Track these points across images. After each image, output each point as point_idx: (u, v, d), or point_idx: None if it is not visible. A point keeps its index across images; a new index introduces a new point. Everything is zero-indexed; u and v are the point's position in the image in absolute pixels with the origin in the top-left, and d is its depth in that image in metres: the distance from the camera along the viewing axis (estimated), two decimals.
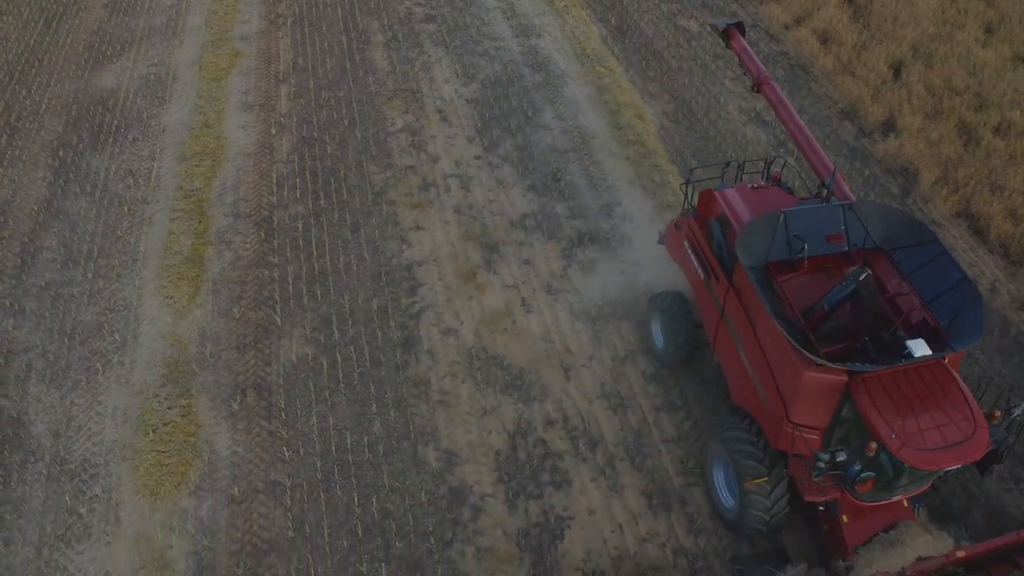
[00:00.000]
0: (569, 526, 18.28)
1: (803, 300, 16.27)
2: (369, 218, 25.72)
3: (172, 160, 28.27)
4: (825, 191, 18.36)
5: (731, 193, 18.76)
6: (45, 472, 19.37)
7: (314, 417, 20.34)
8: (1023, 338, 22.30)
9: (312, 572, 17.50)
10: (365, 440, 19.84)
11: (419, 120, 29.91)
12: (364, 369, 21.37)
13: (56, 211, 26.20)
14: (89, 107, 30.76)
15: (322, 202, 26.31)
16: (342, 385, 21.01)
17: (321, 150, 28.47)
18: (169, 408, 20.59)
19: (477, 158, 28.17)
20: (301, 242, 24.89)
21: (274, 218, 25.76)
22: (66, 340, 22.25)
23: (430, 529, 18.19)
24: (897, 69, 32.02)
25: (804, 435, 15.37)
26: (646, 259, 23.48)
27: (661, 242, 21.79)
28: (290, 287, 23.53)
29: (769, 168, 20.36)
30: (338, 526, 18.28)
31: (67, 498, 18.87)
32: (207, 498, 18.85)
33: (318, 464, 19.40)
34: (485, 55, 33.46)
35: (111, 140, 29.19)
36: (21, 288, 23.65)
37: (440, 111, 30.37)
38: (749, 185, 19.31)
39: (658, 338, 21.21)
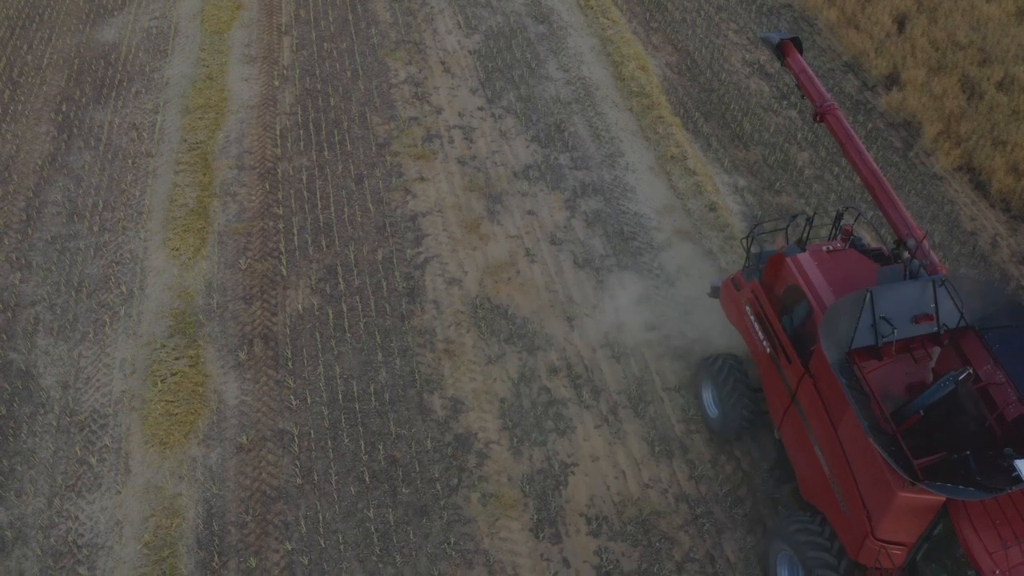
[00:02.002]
0: (573, 472, 18.51)
1: (889, 391, 14.71)
2: (373, 169, 25.75)
3: (175, 113, 28.25)
4: (906, 252, 16.27)
5: (805, 260, 16.22)
6: (55, 423, 19.60)
7: (321, 366, 20.51)
8: (1023, 292, 22.39)
9: (320, 518, 17.76)
10: (371, 388, 20.04)
11: (422, 71, 29.83)
12: (370, 319, 21.52)
13: (60, 166, 26.24)
14: (91, 61, 30.69)
15: (326, 154, 26.33)
16: (348, 335, 21.17)
17: (324, 102, 28.44)
18: (177, 359, 20.77)
19: (480, 109, 28.13)
20: (306, 193, 24.95)
21: (278, 170, 25.80)
22: (73, 293, 22.40)
23: (436, 475, 18.42)
24: (901, 23, 31.81)
25: (889, 550, 13.89)
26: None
27: (714, 295, 19.72)
28: (295, 238, 23.62)
29: (840, 221, 17.86)
30: (345, 473, 18.52)
31: (77, 449, 19.10)
32: (216, 446, 19.09)
33: (325, 412, 19.61)
34: (488, 6, 33.29)
35: (114, 94, 29.15)
36: (27, 242, 23.77)
37: (443, 62, 30.28)
38: (823, 248, 16.71)
39: (710, 407, 19.02)
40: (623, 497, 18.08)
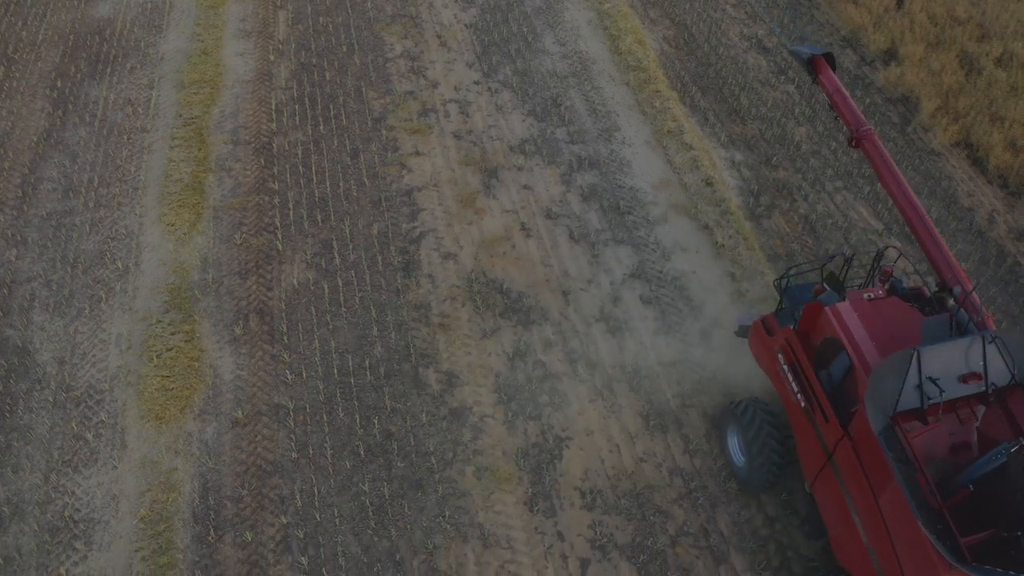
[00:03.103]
0: (567, 446, 18.55)
1: (933, 454, 13.77)
2: (369, 144, 25.68)
3: (171, 88, 28.15)
4: (951, 300, 15.20)
5: (845, 311, 15.04)
6: (51, 399, 19.63)
7: (316, 341, 20.53)
8: (1019, 268, 22.36)
9: (315, 492, 17.82)
10: (366, 363, 20.06)
11: (418, 45, 29.69)
12: (365, 293, 21.51)
13: (55, 142, 26.16)
14: (86, 37, 30.54)
15: (321, 128, 26.25)
16: (343, 309, 21.17)
17: (320, 76, 28.32)
18: (172, 334, 20.78)
19: (476, 83, 28.02)
20: (301, 168, 24.89)
21: (274, 144, 25.73)
22: (69, 269, 22.38)
23: (431, 449, 18.46)
24: None
25: None
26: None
27: (741, 335, 18.75)
28: (291, 213, 23.59)
29: (879, 262, 16.83)
30: (341, 447, 18.56)
31: (73, 424, 19.14)
32: (212, 421, 19.13)
33: (320, 387, 19.64)
34: None
35: (109, 70, 29.03)
36: (23, 219, 23.73)
37: (439, 36, 30.13)
38: (863, 295, 15.55)
39: (736, 455, 17.87)
40: (617, 471, 18.12)
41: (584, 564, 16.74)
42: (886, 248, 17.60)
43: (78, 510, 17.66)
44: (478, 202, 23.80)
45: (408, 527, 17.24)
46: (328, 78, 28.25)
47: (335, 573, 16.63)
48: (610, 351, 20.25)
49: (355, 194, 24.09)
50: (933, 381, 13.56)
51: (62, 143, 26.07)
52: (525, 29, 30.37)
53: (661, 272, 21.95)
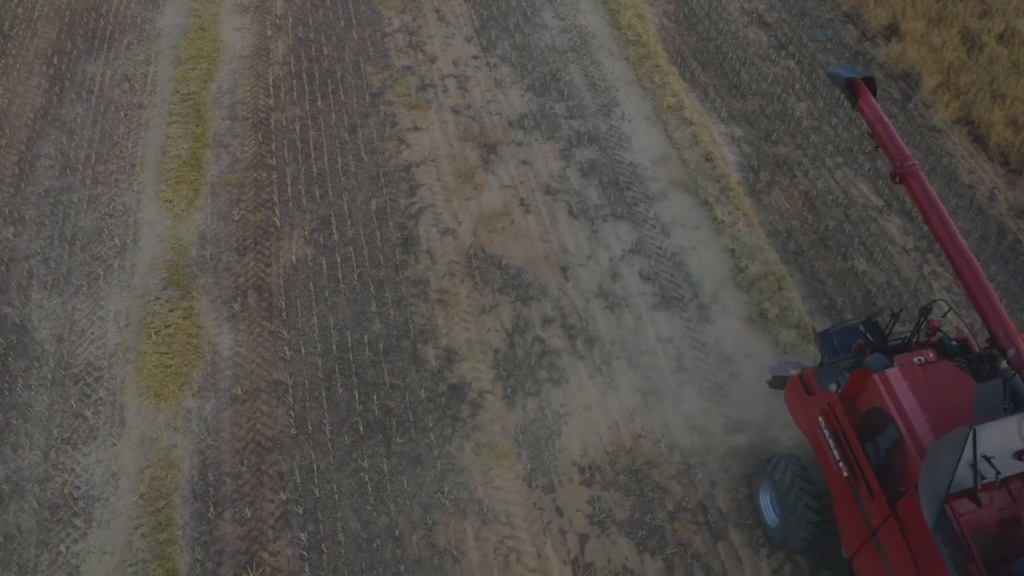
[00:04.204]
0: (566, 422, 18.55)
1: (983, 532, 12.94)
2: (367, 119, 25.56)
3: (168, 64, 27.99)
4: (1004, 362, 14.10)
5: (895, 379, 13.99)
6: (50, 377, 19.61)
7: (315, 317, 20.50)
8: (1019, 246, 22.31)
9: (314, 468, 17.83)
10: (365, 339, 20.04)
11: (416, 20, 29.51)
12: (363, 269, 21.47)
13: (52, 118, 26.04)
14: (82, 13, 30.33)
15: (319, 103, 26.12)
16: (342, 285, 21.13)
17: (317, 51, 28.16)
18: (171, 311, 20.75)
19: (475, 58, 27.87)
20: (299, 144, 24.78)
21: (271, 120, 25.61)
22: (66, 246, 22.32)
23: (430, 425, 18.47)
24: None
25: None
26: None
27: (775, 386, 17.76)
28: (289, 189, 23.50)
29: (926, 318, 15.48)
30: (340, 423, 18.57)
31: (72, 402, 19.13)
32: (210, 398, 19.12)
33: (319, 363, 19.63)
34: None
35: (105, 46, 28.85)
36: (20, 196, 23.64)
37: (437, 11, 29.93)
38: (913, 359, 14.48)
39: (769, 514, 16.78)
40: (616, 447, 18.13)
41: (583, 539, 16.78)
42: (934, 301, 16.01)
43: (77, 487, 17.68)
44: (477, 177, 23.71)
45: (407, 503, 17.27)
46: (326, 53, 28.09)
47: (334, 549, 16.67)
48: (609, 327, 20.23)
49: (353, 170, 24.00)
50: (988, 460, 12.56)
51: (59, 120, 25.95)
52: (524, 3, 30.17)
53: (660, 248, 21.90)
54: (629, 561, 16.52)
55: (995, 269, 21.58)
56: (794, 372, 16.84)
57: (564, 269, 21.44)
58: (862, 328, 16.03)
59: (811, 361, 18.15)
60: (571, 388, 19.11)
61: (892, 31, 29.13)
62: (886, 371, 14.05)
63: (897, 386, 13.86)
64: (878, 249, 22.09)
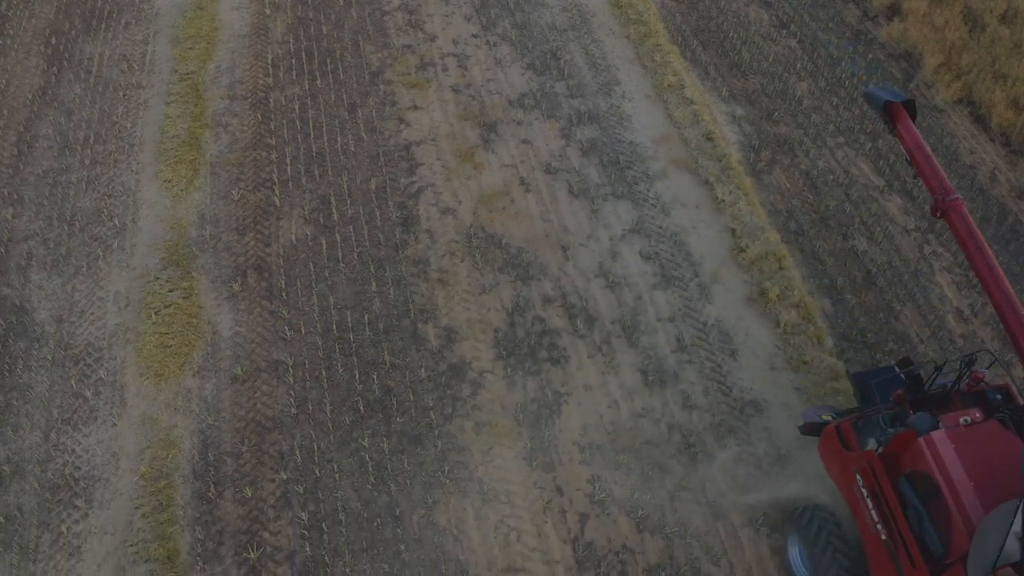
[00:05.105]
0: (566, 402, 18.55)
1: None
2: (366, 98, 25.46)
3: (166, 44, 27.87)
4: None
5: (941, 443, 13.29)
6: (50, 358, 19.62)
7: (315, 296, 20.48)
8: (1020, 226, 22.25)
9: (315, 448, 17.85)
10: (365, 318, 20.02)
11: None
12: (363, 249, 21.43)
13: (51, 99, 25.95)
14: None
15: (318, 83, 26.01)
16: (342, 265, 21.10)
17: (316, 30, 28.02)
18: (171, 291, 20.73)
19: (475, 36, 27.73)
20: (298, 123, 24.70)
21: (270, 100, 25.52)
22: (66, 227, 22.29)
23: (430, 405, 18.47)
24: None
25: None
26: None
27: (807, 433, 16.86)
28: (288, 168, 23.43)
29: (970, 369, 14.76)
30: (340, 403, 18.58)
31: (72, 382, 19.15)
32: (211, 378, 19.13)
33: (319, 342, 19.61)
34: None
35: (103, 25, 28.72)
36: (19, 177, 23.59)
37: None
38: (959, 420, 13.75)
39: (799, 567, 16.04)
40: (616, 426, 18.13)
41: (583, 518, 16.80)
42: (977, 352, 15.19)
43: (78, 468, 17.72)
44: (477, 157, 23.63)
45: (407, 482, 17.29)
46: (325, 32, 27.96)
47: (335, 528, 16.70)
48: (609, 306, 20.20)
49: (353, 149, 23.92)
50: None
51: (57, 100, 25.86)
52: None
53: (661, 227, 21.85)
54: (629, 540, 16.54)
55: (996, 249, 21.46)
56: (827, 417, 16.33)
57: (564, 248, 21.39)
58: (903, 376, 15.38)
59: (838, 402, 17.89)
60: (571, 367, 19.09)
61: (894, 10, 28.96)
62: (932, 434, 13.41)
63: (944, 451, 13.22)
64: (879, 229, 22.03)
